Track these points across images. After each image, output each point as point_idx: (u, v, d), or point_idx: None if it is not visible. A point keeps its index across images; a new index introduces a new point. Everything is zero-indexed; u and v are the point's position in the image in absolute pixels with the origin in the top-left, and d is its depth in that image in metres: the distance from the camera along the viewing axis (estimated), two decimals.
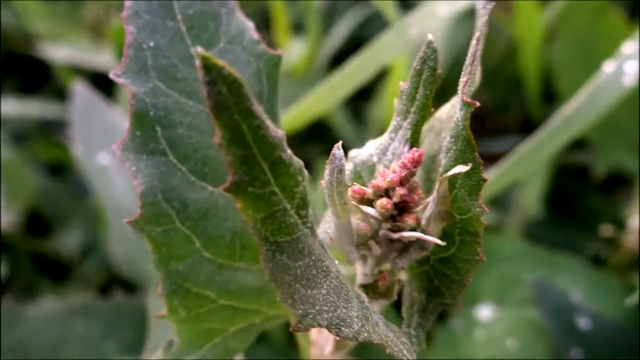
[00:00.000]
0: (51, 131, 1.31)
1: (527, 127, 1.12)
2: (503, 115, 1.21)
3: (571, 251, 0.97)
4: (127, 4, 0.46)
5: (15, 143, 1.26)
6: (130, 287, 1.01)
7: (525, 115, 1.17)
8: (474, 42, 0.40)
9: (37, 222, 1.23)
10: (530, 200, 1.00)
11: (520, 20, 1.01)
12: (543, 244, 0.96)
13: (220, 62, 0.31)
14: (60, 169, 1.33)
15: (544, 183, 1.00)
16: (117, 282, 1.10)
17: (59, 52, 1.23)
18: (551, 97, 1.08)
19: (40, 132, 1.34)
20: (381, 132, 0.95)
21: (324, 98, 0.85)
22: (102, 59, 1.26)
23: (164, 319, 0.47)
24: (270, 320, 0.51)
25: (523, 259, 0.87)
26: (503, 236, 0.93)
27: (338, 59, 1.11)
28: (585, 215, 1.04)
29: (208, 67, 0.31)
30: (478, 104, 0.39)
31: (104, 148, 0.90)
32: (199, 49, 0.31)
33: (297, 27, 1.23)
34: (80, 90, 0.95)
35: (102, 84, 1.05)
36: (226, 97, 0.32)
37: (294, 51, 1.13)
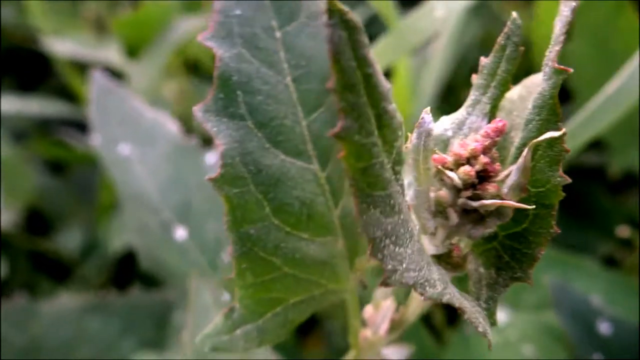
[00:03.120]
0: (51, 129, 1.30)
1: None
2: None
3: (585, 252, 0.97)
4: None
5: (15, 141, 1.25)
6: (145, 283, 1.00)
7: None
8: (566, 12, 0.41)
9: (37, 221, 1.22)
10: None
11: (539, 17, 1.01)
12: (556, 244, 0.96)
13: (344, 7, 0.32)
14: (61, 167, 1.32)
15: None
16: (119, 284, 1.09)
17: (62, 46, 1.23)
18: (564, 96, 1.09)
19: (40, 130, 1.33)
20: None
21: None
22: (106, 53, 1.26)
23: (229, 282, 0.48)
24: (329, 294, 0.52)
25: (540, 261, 0.86)
26: None
27: None
28: (598, 216, 1.05)
29: (332, 10, 0.32)
30: (571, 70, 0.39)
31: (125, 137, 0.88)
32: None
33: None
34: (97, 77, 0.92)
35: None
36: (345, 42, 0.33)
37: None
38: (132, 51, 1.22)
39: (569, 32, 1.03)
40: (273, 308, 0.50)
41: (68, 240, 1.17)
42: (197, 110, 0.46)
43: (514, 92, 0.46)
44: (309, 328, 0.98)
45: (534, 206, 0.42)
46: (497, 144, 0.43)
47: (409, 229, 0.39)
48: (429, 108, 0.41)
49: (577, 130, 0.76)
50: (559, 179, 0.42)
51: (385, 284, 0.37)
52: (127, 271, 1.11)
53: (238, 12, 0.48)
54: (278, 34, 0.49)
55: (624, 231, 0.91)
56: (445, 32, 0.93)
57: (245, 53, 0.48)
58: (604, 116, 0.75)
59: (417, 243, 0.40)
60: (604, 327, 0.76)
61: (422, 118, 0.41)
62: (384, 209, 0.37)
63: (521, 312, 0.83)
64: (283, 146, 0.48)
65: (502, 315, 0.82)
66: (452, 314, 0.86)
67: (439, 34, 0.94)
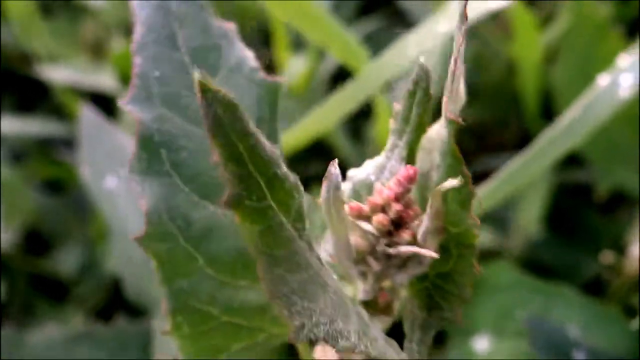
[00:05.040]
0: (50, 149, 1.32)
1: (526, 144, 1.13)
2: (502, 133, 1.23)
3: (572, 272, 0.97)
4: (135, 36, 0.50)
5: (13, 161, 1.27)
6: (132, 309, 1.01)
7: (525, 133, 1.19)
8: (452, 62, 0.42)
9: (36, 241, 1.23)
10: (530, 220, 1.00)
11: (518, 40, 1.02)
12: (543, 264, 0.96)
13: (216, 86, 0.33)
14: (59, 187, 1.33)
15: (543, 203, 1.00)
16: (116, 304, 1.10)
17: (58, 73, 1.25)
18: (550, 115, 1.09)
19: (38, 150, 1.34)
20: (380, 151, 0.96)
21: (323, 118, 0.86)
22: (102, 79, 1.27)
23: (167, 335, 0.48)
24: (273, 339, 0.52)
25: (519, 289, 0.87)
26: (499, 266, 0.93)
27: (338, 77, 1.12)
28: (586, 235, 1.04)
29: (204, 90, 0.33)
30: (460, 120, 0.40)
31: (111, 171, 0.91)
32: (196, 74, 0.33)
33: (297, 44, 1.24)
34: (87, 112, 0.96)
35: (102, 104, 1.06)
36: (222, 119, 0.33)
37: (294, 68, 1.14)
38: (128, 79, 1.22)
39: (553, 58, 1.04)
40: (215, 356, 0.50)
41: (66, 260, 1.18)
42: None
43: (433, 131, 0.46)
44: None
45: (437, 255, 0.42)
46: (410, 190, 0.43)
47: (321, 282, 0.40)
48: (336, 160, 0.41)
49: (552, 143, 0.76)
50: (470, 221, 0.42)
51: (293, 340, 0.38)
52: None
53: (157, 74, 0.49)
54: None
55: (607, 257, 0.90)
56: (432, 56, 0.94)
57: (166, 113, 0.49)
58: (579, 129, 0.75)
59: (332, 295, 0.41)
60: (579, 356, 0.75)
61: (329, 171, 0.41)
62: (289, 267, 0.38)
63: (504, 339, 0.82)
64: (212, 198, 0.49)
65: (484, 343, 0.82)
66: (438, 335, 0.85)
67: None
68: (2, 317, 1.05)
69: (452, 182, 0.40)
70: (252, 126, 0.34)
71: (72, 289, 1.16)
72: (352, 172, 0.49)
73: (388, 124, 0.92)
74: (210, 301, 0.49)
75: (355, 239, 0.44)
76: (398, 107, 0.46)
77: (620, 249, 0.92)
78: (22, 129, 1.25)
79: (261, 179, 0.36)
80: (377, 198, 0.43)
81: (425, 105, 0.45)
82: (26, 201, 1.19)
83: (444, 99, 0.41)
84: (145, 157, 0.48)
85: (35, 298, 1.17)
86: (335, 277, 0.43)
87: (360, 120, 1.18)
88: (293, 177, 0.38)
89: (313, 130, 0.87)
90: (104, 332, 0.92)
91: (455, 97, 0.41)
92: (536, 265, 0.96)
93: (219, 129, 0.33)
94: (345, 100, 0.85)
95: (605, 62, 0.96)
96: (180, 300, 0.48)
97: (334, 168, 0.41)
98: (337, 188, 0.42)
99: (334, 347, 0.39)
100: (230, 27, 0.52)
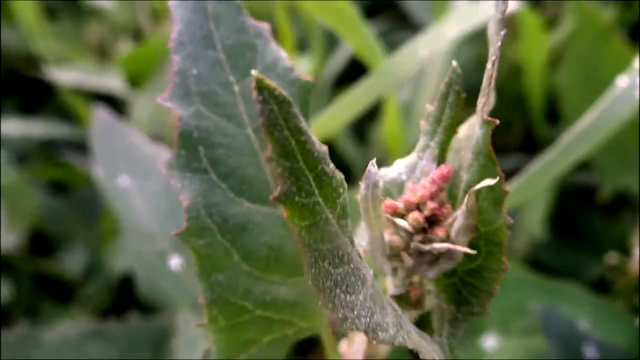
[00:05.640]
0: (54, 151, 1.33)
1: (530, 145, 1.15)
2: (506, 134, 1.24)
3: (576, 273, 0.98)
4: (172, 35, 0.51)
5: (17, 163, 1.27)
6: (138, 309, 1.02)
7: (528, 134, 1.20)
8: (489, 66, 0.43)
9: (40, 242, 1.23)
10: (535, 222, 1.01)
11: (524, 42, 1.03)
12: (547, 266, 0.97)
13: (272, 83, 0.34)
14: (63, 188, 1.34)
15: (548, 205, 1.02)
16: (121, 304, 1.11)
17: (65, 74, 1.26)
18: (555, 117, 1.11)
19: (42, 152, 1.35)
20: (385, 153, 0.96)
21: (335, 116, 0.87)
22: (109, 81, 1.28)
23: (203, 327, 0.50)
24: (302, 332, 0.54)
25: (527, 287, 0.87)
26: None
27: (343, 78, 1.13)
28: (590, 237, 1.06)
29: (261, 87, 0.34)
30: (497, 121, 0.41)
31: (125, 170, 0.92)
32: (254, 72, 0.34)
33: (302, 45, 1.25)
34: (99, 112, 0.97)
35: (107, 105, 1.06)
36: (277, 115, 0.35)
37: (299, 69, 1.13)
38: (135, 81, 1.24)
39: (558, 61, 1.05)
40: (247, 349, 0.51)
41: (71, 261, 1.19)
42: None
43: (461, 131, 0.48)
44: (311, 344, 0.99)
45: (475, 251, 0.44)
46: (444, 189, 0.45)
47: (361, 276, 0.41)
48: (374, 160, 0.43)
49: (564, 152, 0.77)
50: (502, 219, 0.43)
51: (336, 332, 0.39)
52: (131, 292, 1.12)
53: (195, 71, 0.51)
54: (236, 88, 0.52)
55: (612, 258, 0.91)
56: (439, 57, 0.95)
57: (203, 110, 0.50)
58: (590, 138, 0.76)
59: (370, 289, 0.42)
60: (590, 352, 0.76)
61: (369, 170, 0.43)
62: (332, 261, 0.40)
63: (511, 337, 0.83)
64: (247, 194, 0.50)
65: (492, 341, 0.83)
66: None
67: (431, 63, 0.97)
68: (8, 318, 1.05)
69: (489, 182, 0.41)
70: (304, 123, 0.36)
71: (77, 290, 1.17)
72: (383, 171, 0.50)
73: (397, 123, 0.94)
74: (245, 295, 0.50)
75: (389, 236, 0.46)
76: (430, 108, 0.48)
77: (623, 250, 0.93)
78: (26, 131, 1.25)
79: (310, 175, 0.37)
80: (411, 196, 0.45)
81: (457, 108, 0.47)
82: (30, 202, 1.19)
83: (481, 101, 0.42)
84: (184, 154, 0.49)
85: (41, 299, 1.17)
86: (371, 271, 0.44)
87: (364, 124, 1.20)
88: (339, 175, 0.39)
89: (326, 128, 0.87)
90: (116, 330, 0.93)
91: (489, 100, 0.43)
92: (540, 266, 0.97)
93: (273, 125, 0.35)
94: (357, 99, 0.86)
95: (609, 64, 0.98)
96: (216, 294, 0.49)
97: (373, 167, 0.43)
98: (376, 186, 0.43)
99: (374, 339, 0.40)
100: (265, 27, 0.53)
